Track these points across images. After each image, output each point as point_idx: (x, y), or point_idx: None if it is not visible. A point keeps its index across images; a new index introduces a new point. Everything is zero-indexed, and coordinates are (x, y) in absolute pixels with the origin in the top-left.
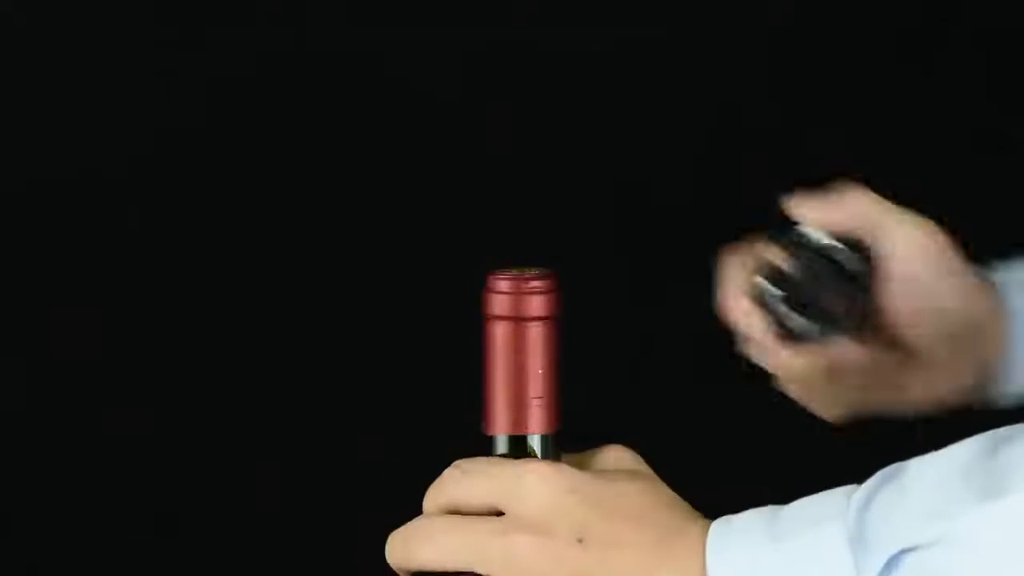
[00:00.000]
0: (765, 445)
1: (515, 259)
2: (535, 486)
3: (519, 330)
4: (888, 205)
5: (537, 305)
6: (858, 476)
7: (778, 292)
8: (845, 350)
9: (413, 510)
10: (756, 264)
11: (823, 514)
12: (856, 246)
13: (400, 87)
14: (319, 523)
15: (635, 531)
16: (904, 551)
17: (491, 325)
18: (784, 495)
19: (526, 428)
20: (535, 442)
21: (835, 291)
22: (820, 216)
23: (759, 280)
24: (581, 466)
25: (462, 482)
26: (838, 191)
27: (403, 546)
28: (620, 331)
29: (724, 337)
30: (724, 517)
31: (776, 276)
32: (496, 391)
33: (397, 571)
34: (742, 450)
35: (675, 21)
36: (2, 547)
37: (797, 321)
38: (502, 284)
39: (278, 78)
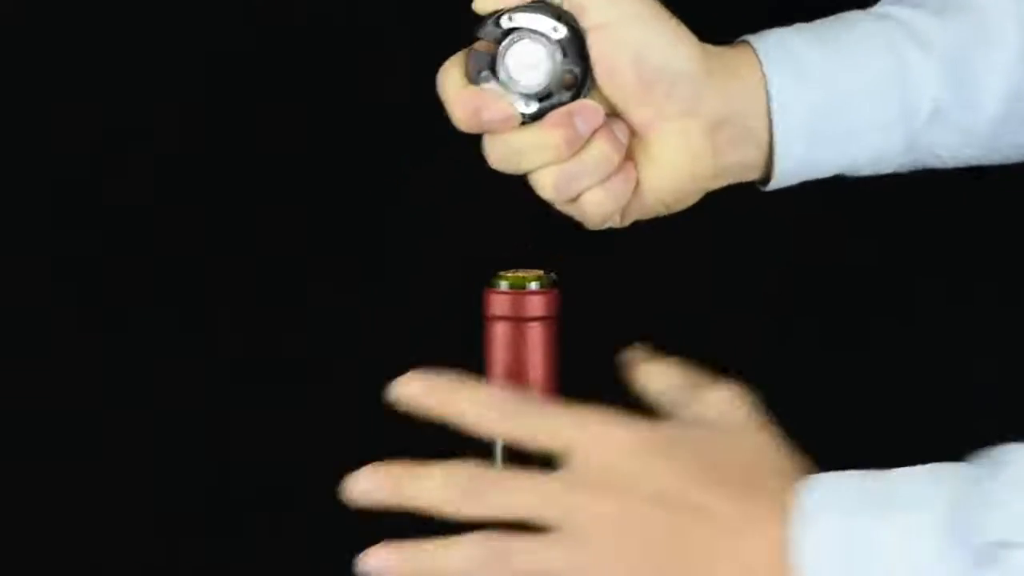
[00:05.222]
0: None
1: (515, 259)
2: (604, 438)
3: (519, 330)
4: None
5: (537, 305)
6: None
7: (494, 82)
8: (586, 116)
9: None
10: (469, 64)
11: (924, 496)
12: (559, 14)
13: (403, 82)
14: (317, 522)
15: (716, 494)
16: (1005, 545)
17: (491, 325)
18: None
19: None
20: None
21: (548, 63)
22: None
23: (476, 76)
24: (687, 402)
25: (522, 426)
26: None
27: (474, 487)
28: (620, 331)
29: (723, 336)
30: (817, 476)
31: (490, 66)
32: None
33: (459, 517)
34: None
35: None
36: None
37: (522, 104)
38: (502, 284)
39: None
